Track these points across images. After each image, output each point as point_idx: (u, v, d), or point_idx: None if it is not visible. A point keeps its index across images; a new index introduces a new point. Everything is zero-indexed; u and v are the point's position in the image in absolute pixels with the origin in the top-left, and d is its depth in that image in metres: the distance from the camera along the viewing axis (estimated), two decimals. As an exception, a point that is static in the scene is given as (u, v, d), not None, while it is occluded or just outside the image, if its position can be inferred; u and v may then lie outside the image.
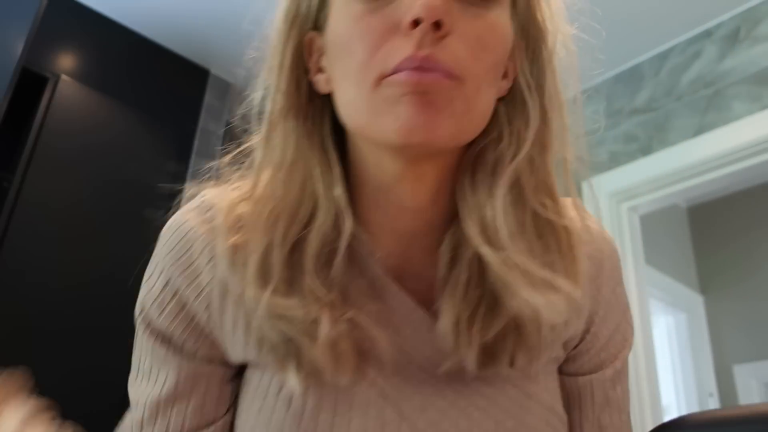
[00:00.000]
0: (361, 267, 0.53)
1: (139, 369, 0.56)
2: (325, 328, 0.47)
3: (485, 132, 0.51)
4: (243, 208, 0.53)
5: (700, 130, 2.03)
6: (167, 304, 0.53)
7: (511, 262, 0.48)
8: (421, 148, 0.47)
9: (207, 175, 0.57)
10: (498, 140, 0.51)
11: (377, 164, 0.51)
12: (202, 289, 0.52)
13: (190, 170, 2.26)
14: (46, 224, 1.86)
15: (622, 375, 0.60)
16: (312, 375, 0.49)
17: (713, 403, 3.01)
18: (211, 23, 2.23)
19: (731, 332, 3.16)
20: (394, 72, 0.45)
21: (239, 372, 0.56)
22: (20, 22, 1.64)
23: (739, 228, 3.25)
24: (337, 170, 0.51)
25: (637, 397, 1.94)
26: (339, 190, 0.50)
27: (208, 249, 0.52)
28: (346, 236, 0.49)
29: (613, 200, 2.20)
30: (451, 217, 0.53)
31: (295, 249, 0.50)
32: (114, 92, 2.16)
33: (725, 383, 3.08)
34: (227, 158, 0.56)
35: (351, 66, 0.47)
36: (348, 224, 0.49)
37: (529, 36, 0.53)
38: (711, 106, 2.03)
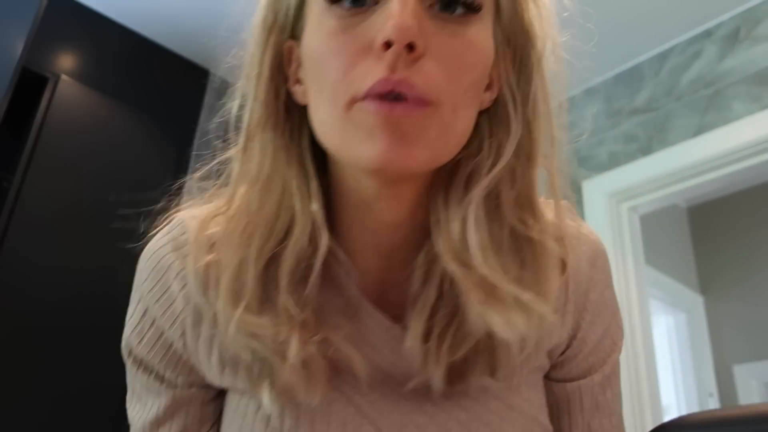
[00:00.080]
0: (338, 284, 0.52)
1: (131, 392, 0.57)
2: (293, 350, 0.46)
3: (466, 145, 0.49)
4: (217, 225, 0.52)
5: (700, 130, 2.03)
6: (146, 333, 0.54)
7: (475, 279, 0.46)
8: (395, 174, 0.46)
9: (182, 193, 0.56)
10: (478, 152, 0.49)
11: (355, 181, 0.50)
12: (177, 317, 0.52)
13: (189, 170, 2.26)
14: (46, 224, 1.86)
15: (612, 379, 0.59)
16: (285, 394, 0.48)
17: (713, 403, 3.01)
18: (212, 23, 2.22)
19: (731, 332, 3.16)
20: (366, 96, 0.43)
21: (223, 390, 0.56)
22: (20, 22, 1.64)
23: (739, 228, 3.25)
24: (314, 184, 0.49)
25: (637, 397, 1.94)
26: (316, 205, 0.48)
27: (181, 275, 0.52)
28: (321, 253, 0.48)
29: (613, 200, 2.20)
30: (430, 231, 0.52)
31: (270, 265, 0.48)
32: (114, 92, 2.16)
33: (725, 383, 3.08)
34: (200, 174, 0.55)
35: (324, 85, 0.46)
36: (324, 240, 0.48)
37: (516, 44, 0.51)
38: (711, 106, 2.03)
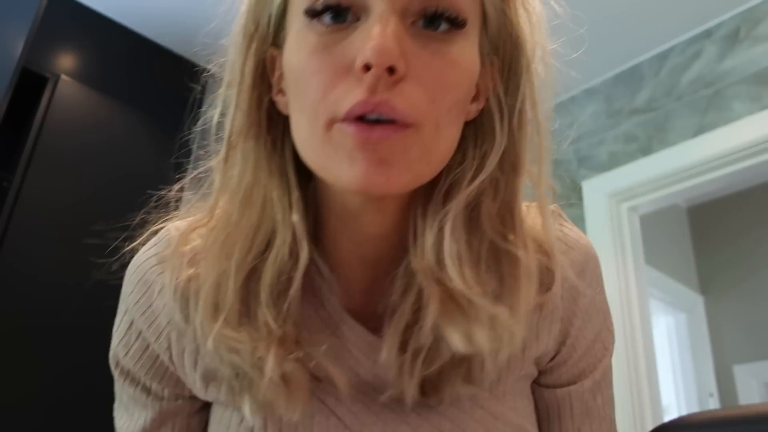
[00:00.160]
0: (321, 296, 0.52)
1: (119, 402, 0.58)
2: (270, 365, 0.45)
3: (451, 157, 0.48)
4: (199, 236, 0.51)
5: (700, 130, 2.03)
6: (132, 344, 0.54)
7: (442, 291, 0.45)
8: (377, 194, 0.46)
9: (169, 206, 0.55)
10: (461, 163, 0.48)
11: (339, 195, 0.49)
12: (162, 331, 0.52)
13: (189, 170, 2.26)
14: (46, 224, 1.86)
15: (602, 384, 0.59)
16: (266, 408, 0.48)
17: (713, 403, 3.01)
18: (212, 23, 2.22)
19: (731, 332, 3.16)
20: (345, 118, 0.42)
21: (208, 402, 0.56)
22: (20, 22, 1.64)
23: (739, 228, 3.25)
24: (296, 195, 0.48)
25: (637, 397, 1.94)
26: (296, 216, 0.47)
27: (165, 289, 0.52)
28: (302, 265, 0.47)
29: (613, 200, 2.20)
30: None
31: (251, 278, 0.47)
32: (114, 92, 2.16)
33: (725, 383, 3.08)
34: (184, 184, 0.55)
35: (304, 102, 0.45)
36: (304, 252, 0.47)
37: (505, 51, 0.49)
38: (711, 106, 2.03)
